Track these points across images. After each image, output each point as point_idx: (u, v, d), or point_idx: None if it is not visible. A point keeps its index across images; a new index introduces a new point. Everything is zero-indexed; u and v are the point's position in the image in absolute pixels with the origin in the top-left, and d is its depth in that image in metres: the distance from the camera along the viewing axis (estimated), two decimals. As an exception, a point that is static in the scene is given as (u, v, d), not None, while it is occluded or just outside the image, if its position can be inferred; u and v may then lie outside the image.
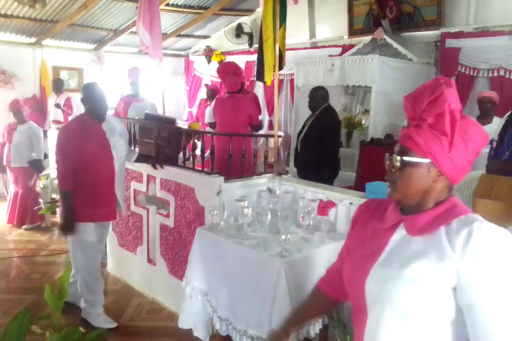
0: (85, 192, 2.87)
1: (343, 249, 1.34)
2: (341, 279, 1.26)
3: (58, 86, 6.56)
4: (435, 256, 1.01)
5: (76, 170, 2.85)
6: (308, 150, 4.04)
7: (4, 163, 5.23)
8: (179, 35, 7.59)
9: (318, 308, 1.47)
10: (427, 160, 1.05)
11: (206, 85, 7.45)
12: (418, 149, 1.05)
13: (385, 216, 1.16)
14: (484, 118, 3.90)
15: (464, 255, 0.97)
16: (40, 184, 5.46)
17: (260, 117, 5.14)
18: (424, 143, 1.04)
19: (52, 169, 4.98)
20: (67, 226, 2.84)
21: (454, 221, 1.03)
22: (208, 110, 4.61)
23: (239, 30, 7.18)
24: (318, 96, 4.06)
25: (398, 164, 1.07)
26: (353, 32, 5.81)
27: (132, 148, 3.55)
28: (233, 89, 4.24)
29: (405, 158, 1.06)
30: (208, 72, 7.91)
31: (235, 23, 7.26)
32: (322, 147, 3.91)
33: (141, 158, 3.28)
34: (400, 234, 1.11)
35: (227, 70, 4.31)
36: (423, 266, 1.01)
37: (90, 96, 2.91)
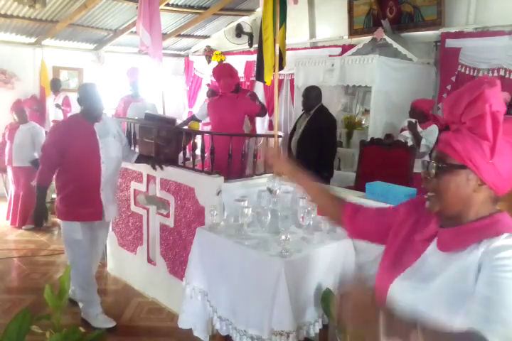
0: (70, 190, 2.91)
1: (387, 211, 1.29)
2: (365, 219, 1.29)
3: (56, 86, 6.56)
4: (459, 275, 0.95)
5: (61, 168, 2.90)
6: (306, 151, 4.01)
7: (6, 163, 5.23)
8: (179, 35, 7.59)
9: (324, 199, 1.43)
10: (465, 167, 0.96)
11: (208, 85, 7.41)
12: (456, 155, 0.96)
13: (427, 226, 1.09)
14: None
15: (480, 269, 0.91)
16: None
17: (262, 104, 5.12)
18: (463, 148, 0.95)
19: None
20: (39, 217, 2.93)
21: (486, 240, 0.94)
22: (201, 107, 4.53)
23: (239, 30, 7.18)
24: (312, 95, 4.06)
25: (434, 171, 1.00)
26: (353, 32, 5.81)
27: (132, 148, 3.56)
28: (227, 90, 4.20)
29: (441, 165, 0.99)
30: (208, 72, 7.89)
31: (234, 23, 7.26)
32: (320, 148, 3.90)
33: (141, 159, 3.28)
34: (432, 247, 1.05)
35: (223, 72, 4.28)
36: (446, 284, 0.96)
37: (86, 97, 2.92)
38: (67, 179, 2.91)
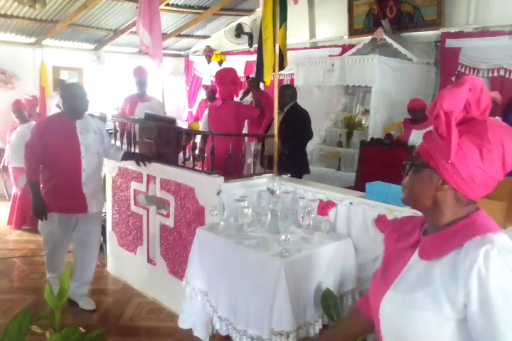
0: (52, 185, 3.01)
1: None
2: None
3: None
4: (442, 284, 0.93)
5: (45, 163, 2.99)
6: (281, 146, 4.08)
7: (6, 164, 5.23)
8: (179, 35, 7.59)
9: (355, 327, 1.34)
10: (428, 166, 0.99)
11: (204, 86, 7.38)
12: (423, 153, 1.01)
13: (411, 235, 1.10)
14: None
15: (468, 287, 0.89)
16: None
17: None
18: (428, 147, 0.99)
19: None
20: (39, 212, 2.98)
21: (466, 244, 0.93)
22: (203, 119, 4.41)
23: (239, 30, 7.18)
24: (286, 93, 4.14)
25: (406, 168, 1.05)
26: (353, 32, 5.81)
27: (120, 146, 3.61)
28: (228, 97, 4.14)
29: (410, 163, 1.04)
30: (208, 72, 7.90)
31: (235, 23, 7.26)
32: (297, 142, 4.01)
33: (127, 156, 3.35)
34: (416, 255, 1.04)
35: (225, 78, 4.17)
36: (429, 293, 0.95)
37: (71, 97, 3.02)
38: (50, 174, 3.01)
